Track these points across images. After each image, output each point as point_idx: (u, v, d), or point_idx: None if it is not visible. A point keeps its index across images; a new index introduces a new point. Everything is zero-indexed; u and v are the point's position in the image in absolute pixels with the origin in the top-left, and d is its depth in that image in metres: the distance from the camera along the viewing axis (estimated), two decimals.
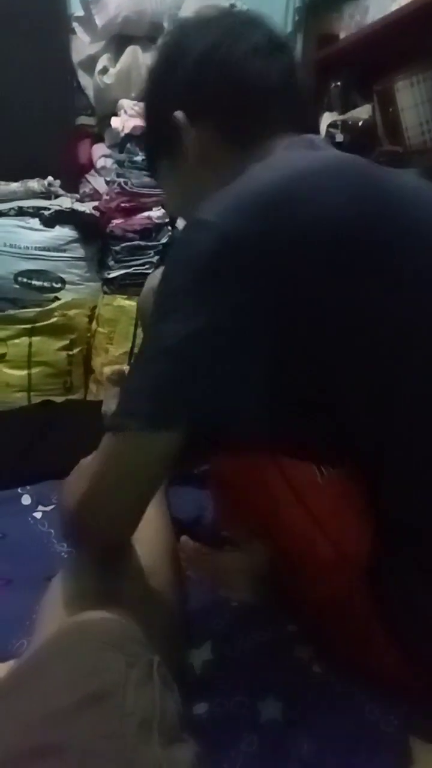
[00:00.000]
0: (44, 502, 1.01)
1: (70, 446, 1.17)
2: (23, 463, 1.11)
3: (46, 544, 0.91)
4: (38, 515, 0.97)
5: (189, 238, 0.58)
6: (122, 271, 2.13)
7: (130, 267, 2.14)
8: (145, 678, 0.50)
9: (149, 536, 0.76)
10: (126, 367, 1.09)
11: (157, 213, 2.13)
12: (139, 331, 1.88)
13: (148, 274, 2.16)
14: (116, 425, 0.57)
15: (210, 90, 0.71)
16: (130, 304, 1.87)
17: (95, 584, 0.64)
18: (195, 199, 0.74)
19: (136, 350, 1.87)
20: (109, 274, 2.13)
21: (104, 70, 2.20)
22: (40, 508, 1.00)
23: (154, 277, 0.76)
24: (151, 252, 2.15)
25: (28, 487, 1.04)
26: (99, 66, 2.20)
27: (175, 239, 0.63)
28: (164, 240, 2.15)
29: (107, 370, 1.09)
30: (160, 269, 0.76)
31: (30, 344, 1.74)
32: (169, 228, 2.16)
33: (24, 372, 1.74)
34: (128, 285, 2.12)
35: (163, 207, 0.88)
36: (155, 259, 2.16)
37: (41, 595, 0.79)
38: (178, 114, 0.71)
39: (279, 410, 0.55)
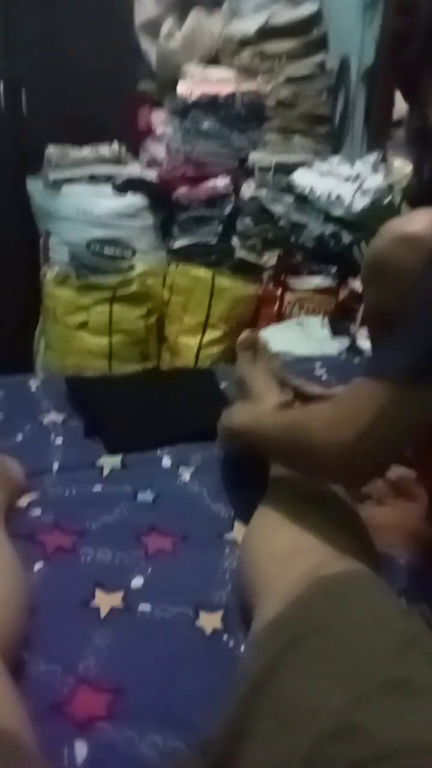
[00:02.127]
0: (185, 463, 1.03)
1: (188, 411, 1.21)
2: (153, 426, 1.13)
3: (203, 505, 0.93)
4: (186, 477, 0.99)
5: None
6: (187, 241, 2.12)
7: (195, 236, 2.13)
8: (427, 626, 0.53)
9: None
10: (257, 333, 1.10)
11: (222, 182, 2.12)
12: (214, 300, 1.88)
13: (212, 245, 2.16)
14: (397, 374, 0.60)
15: None
16: (206, 274, 1.87)
17: (323, 535, 0.67)
18: None
19: (210, 321, 1.88)
20: (174, 243, 2.13)
21: (169, 35, 2.16)
22: (182, 469, 1.01)
23: (395, 227, 0.75)
24: (216, 221, 2.14)
25: (166, 449, 1.06)
26: (164, 30, 2.16)
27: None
28: (228, 210, 2.15)
29: (241, 336, 1.09)
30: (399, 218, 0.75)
31: (111, 312, 1.75)
32: (233, 198, 2.15)
33: (105, 340, 1.75)
34: (192, 255, 2.12)
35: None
36: (219, 229, 2.15)
37: (220, 552, 0.83)
38: None
39: None
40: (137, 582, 0.77)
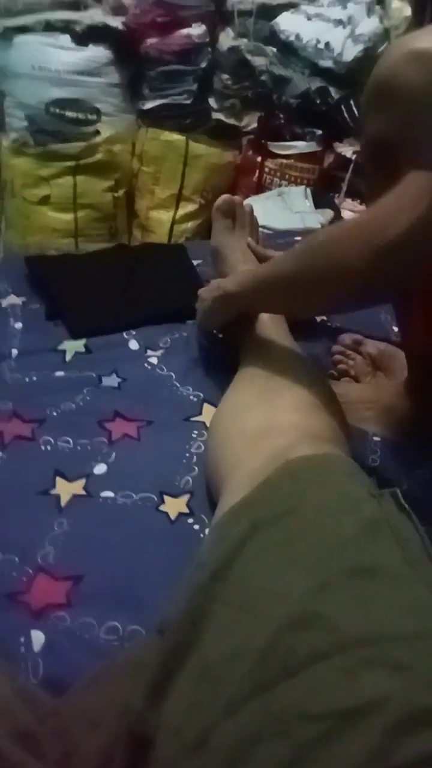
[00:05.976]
0: (152, 347, 0.97)
1: (157, 291, 1.12)
2: (119, 307, 1.06)
3: (171, 388, 0.88)
4: (153, 360, 0.94)
5: None
6: (159, 102, 1.92)
7: (167, 97, 1.92)
8: (397, 508, 0.50)
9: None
10: (238, 198, 0.99)
11: (197, 30, 1.88)
12: (188, 169, 1.73)
13: (186, 105, 1.95)
14: None
15: None
16: (179, 139, 1.70)
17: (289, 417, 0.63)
18: None
19: (184, 193, 1.74)
20: (144, 104, 1.92)
21: None
22: (150, 353, 0.96)
23: (405, 43, 0.63)
24: (190, 78, 1.92)
25: (133, 332, 0.99)
26: None
27: None
28: (204, 64, 1.92)
29: (219, 200, 0.98)
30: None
31: (75, 184, 1.60)
32: (209, 50, 1.91)
33: (70, 216, 1.62)
34: (165, 118, 1.92)
35: None
36: (195, 87, 1.93)
37: (187, 435, 0.79)
38: None
39: None
40: (100, 469, 0.74)
